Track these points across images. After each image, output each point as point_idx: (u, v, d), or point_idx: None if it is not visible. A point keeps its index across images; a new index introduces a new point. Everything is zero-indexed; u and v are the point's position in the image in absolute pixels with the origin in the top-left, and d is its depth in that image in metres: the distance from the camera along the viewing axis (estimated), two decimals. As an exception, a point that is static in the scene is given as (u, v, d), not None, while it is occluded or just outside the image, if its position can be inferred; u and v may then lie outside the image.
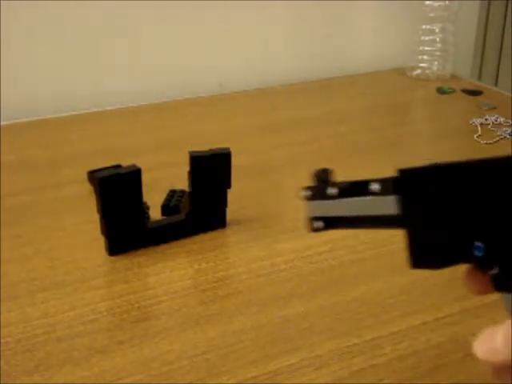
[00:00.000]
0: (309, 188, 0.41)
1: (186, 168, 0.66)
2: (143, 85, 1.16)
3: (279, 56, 1.26)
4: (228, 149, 0.67)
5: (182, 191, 0.74)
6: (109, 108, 1.09)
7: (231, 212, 0.71)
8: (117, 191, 0.62)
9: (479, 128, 0.99)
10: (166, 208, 0.72)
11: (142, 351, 0.53)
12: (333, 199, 0.39)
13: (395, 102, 1.15)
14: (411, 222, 0.33)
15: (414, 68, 1.25)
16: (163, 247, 0.67)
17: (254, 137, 0.97)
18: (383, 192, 0.34)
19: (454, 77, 1.25)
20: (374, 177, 0.35)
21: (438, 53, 1.23)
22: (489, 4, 1.36)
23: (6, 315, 0.57)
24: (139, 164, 0.64)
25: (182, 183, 0.70)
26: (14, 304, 0.58)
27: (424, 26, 1.21)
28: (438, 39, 1.22)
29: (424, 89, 1.21)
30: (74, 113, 1.07)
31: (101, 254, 0.66)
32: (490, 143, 0.94)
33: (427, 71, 1.24)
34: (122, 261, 0.65)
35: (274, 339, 0.54)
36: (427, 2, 1.19)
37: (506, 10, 1.33)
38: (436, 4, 1.19)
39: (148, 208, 0.71)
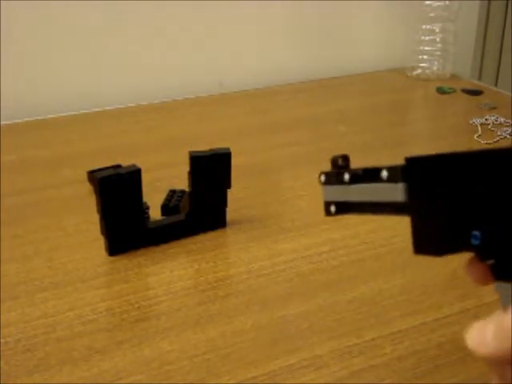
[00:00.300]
0: (325, 173, 0.42)
1: (186, 168, 0.66)
2: (143, 85, 1.16)
3: (279, 56, 1.25)
4: (228, 149, 0.67)
5: (182, 191, 0.74)
6: (109, 108, 1.09)
7: (231, 212, 0.71)
8: (117, 191, 0.62)
9: (479, 128, 0.99)
10: (166, 208, 0.72)
11: (141, 351, 0.53)
12: (346, 185, 0.40)
13: (395, 102, 1.15)
14: (416, 209, 0.34)
15: (414, 68, 1.25)
16: (163, 247, 0.67)
17: (254, 137, 0.97)
18: (392, 179, 0.35)
19: (454, 77, 1.25)
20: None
21: (438, 53, 1.23)
22: (489, 4, 1.36)
23: (5, 315, 0.57)
24: (139, 164, 0.64)
25: (182, 183, 0.70)
26: (14, 304, 0.58)
27: (424, 26, 1.21)
28: (438, 39, 1.22)
29: (424, 89, 1.21)
30: (73, 113, 1.07)
31: (101, 254, 0.66)
32: (490, 143, 0.94)
33: (427, 71, 1.24)
34: (122, 261, 0.65)
35: (274, 339, 0.54)
36: (427, 2, 1.19)
37: (506, 10, 1.33)
38: (436, 4, 1.19)
39: (148, 208, 0.71)
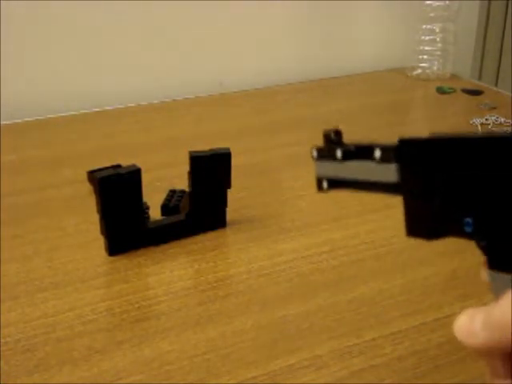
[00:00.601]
0: (318, 148, 0.42)
1: (186, 168, 0.66)
2: (143, 85, 1.16)
3: (279, 56, 1.25)
4: (228, 149, 0.67)
5: (182, 191, 0.74)
6: (109, 108, 1.09)
7: (231, 212, 0.71)
8: (117, 191, 0.62)
9: (479, 128, 0.99)
10: (166, 208, 0.72)
11: (141, 351, 0.53)
12: (338, 161, 0.40)
13: (395, 102, 1.15)
14: (408, 190, 0.34)
15: (414, 68, 1.25)
16: (163, 247, 0.67)
17: (254, 137, 0.97)
18: (385, 159, 0.35)
19: (454, 76, 1.25)
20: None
21: (438, 52, 1.23)
22: (489, 4, 1.36)
23: (5, 315, 0.57)
24: (139, 164, 0.64)
25: (182, 183, 0.70)
26: (14, 304, 0.58)
27: (424, 26, 1.21)
28: (438, 39, 1.22)
29: (424, 89, 1.21)
30: (73, 113, 1.07)
31: (101, 254, 0.66)
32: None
33: (427, 71, 1.24)
34: (122, 261, 0.65)
35: (274, 339, 0.54)
36: (427, 2, 1.19)
37: (506, 10, 1.33)
38: (436, 4, 1.19)
39: (148, 208, 0.71)
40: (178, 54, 1.18)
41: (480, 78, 1.39)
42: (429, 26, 1.21)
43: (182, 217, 0.69)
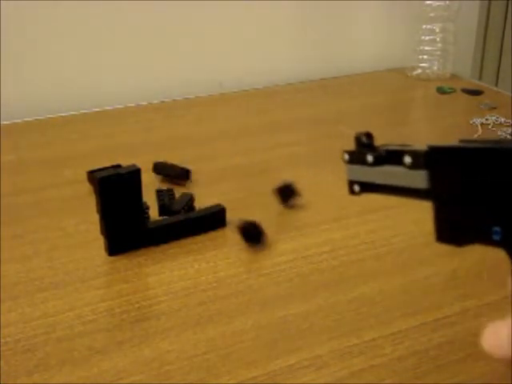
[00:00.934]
0: (349, 152, 0.43)
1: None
2: (143, 85, 1.16)
3: (279, 56, 1.25)
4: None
5: (169, 190, 0.74)
6: (109, 108, 1.09)
7: (231, 212, 0.71)
8: (117, 191, 0.62)
9: (480, 128, 0.99)
10: (164, 207, 0.71)
11: (141, 351, 0.53)
12: (369, 166, 0.40)
13: (395, 102, 1.15)
14: (438, 197, 0.35)
15: (414, 68, 1.25)
16: (163, 247, 0.67)
17: (254, 137, 0.97)
18: (415, 165, 0.36)
19: (454, 76, 1.25)
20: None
21: (439, 52, 1.23)
22: (489, 4, 1.36)
23: (5, 315, 0.57)
24: (139, 164, 0.64)
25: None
26: (14, 304, 0.58)
27: (424, 26, 1.21)
28: (438, 39, 1.22)
29: (424, 89, 1.21)
30: (73, 113, 1.07)
31: (100, 254, 0.66)
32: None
33: (427, 71, 1.24)
34: (122, 261, 0.65)
35: (274, 339, 0.54)
36: (427, 2, 1.19)
37: (506, 9, 1.33)
38: (436, 4, 1.19)
39: (148, 208, 0.71)
40: (178, 54, 1.18)
41: (480, 78, 1.39)
42: (429, 26, 1.21)
43: (182, 217, 0.69)
